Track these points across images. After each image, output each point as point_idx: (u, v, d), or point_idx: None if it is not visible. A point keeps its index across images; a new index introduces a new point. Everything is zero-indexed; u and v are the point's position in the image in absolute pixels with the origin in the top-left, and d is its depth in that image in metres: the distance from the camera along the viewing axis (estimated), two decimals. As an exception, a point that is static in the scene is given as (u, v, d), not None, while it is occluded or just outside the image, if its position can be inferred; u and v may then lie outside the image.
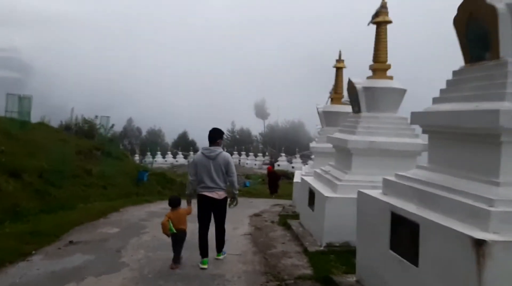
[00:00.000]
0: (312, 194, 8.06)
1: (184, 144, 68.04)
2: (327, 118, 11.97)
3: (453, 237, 3.22)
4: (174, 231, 6.12)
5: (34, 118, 18.34)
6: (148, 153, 46.73)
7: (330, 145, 10.67)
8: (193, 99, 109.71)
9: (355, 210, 6.77)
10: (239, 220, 9.89)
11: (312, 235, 7.70)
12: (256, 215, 11.64)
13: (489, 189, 3.35)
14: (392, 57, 7.78)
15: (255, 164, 51.31)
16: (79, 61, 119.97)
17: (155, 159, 44.03)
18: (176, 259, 6.25)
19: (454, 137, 4.00)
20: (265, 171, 30.71)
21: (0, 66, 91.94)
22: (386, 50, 7.81)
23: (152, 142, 64.37)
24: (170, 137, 79.98)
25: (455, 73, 4.26)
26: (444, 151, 4.24)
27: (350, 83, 7.91)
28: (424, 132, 4.62)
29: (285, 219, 9.79)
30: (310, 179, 8.73)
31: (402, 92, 7.68)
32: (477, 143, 3.68)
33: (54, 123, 20.84)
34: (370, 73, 7.88)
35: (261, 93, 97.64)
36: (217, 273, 5.98)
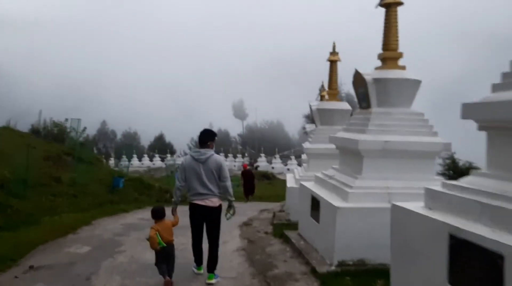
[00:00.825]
0: (315, 203, 6.99)
1: (160, 146, 66.50)
2: (322, 116, 10.90)
3: None
4: (164, 244, 5.28)
5: (-1, 122, 16.95)
6: (124, 157, 45.13)
7: (326, 146, 9.67)
8: (169, 100, 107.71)
9: (370, 222, 5.82)
10: (227, 231, 8.53)
11: (318, 251, 6.63)
12: (246, 224, 10.54)
13: None
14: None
15: (235, 166, 50.03)
16: (47, 63, 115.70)
17: (131, 163, 42.52)
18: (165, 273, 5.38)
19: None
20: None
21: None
22: (397, 36, 6.84)
23: (128, 145, 62.55)
24: (146, 140, 77.76)
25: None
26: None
27: (358, 74, 6.88)
28: (480, 128, 3.60)
29: (281, 230, 8.68)
30: (311, 185, 7.65)
31: (417, 83, 6.69)
32: None
33: (22, 127, 19.57)
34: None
35: (238, 93, 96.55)
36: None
